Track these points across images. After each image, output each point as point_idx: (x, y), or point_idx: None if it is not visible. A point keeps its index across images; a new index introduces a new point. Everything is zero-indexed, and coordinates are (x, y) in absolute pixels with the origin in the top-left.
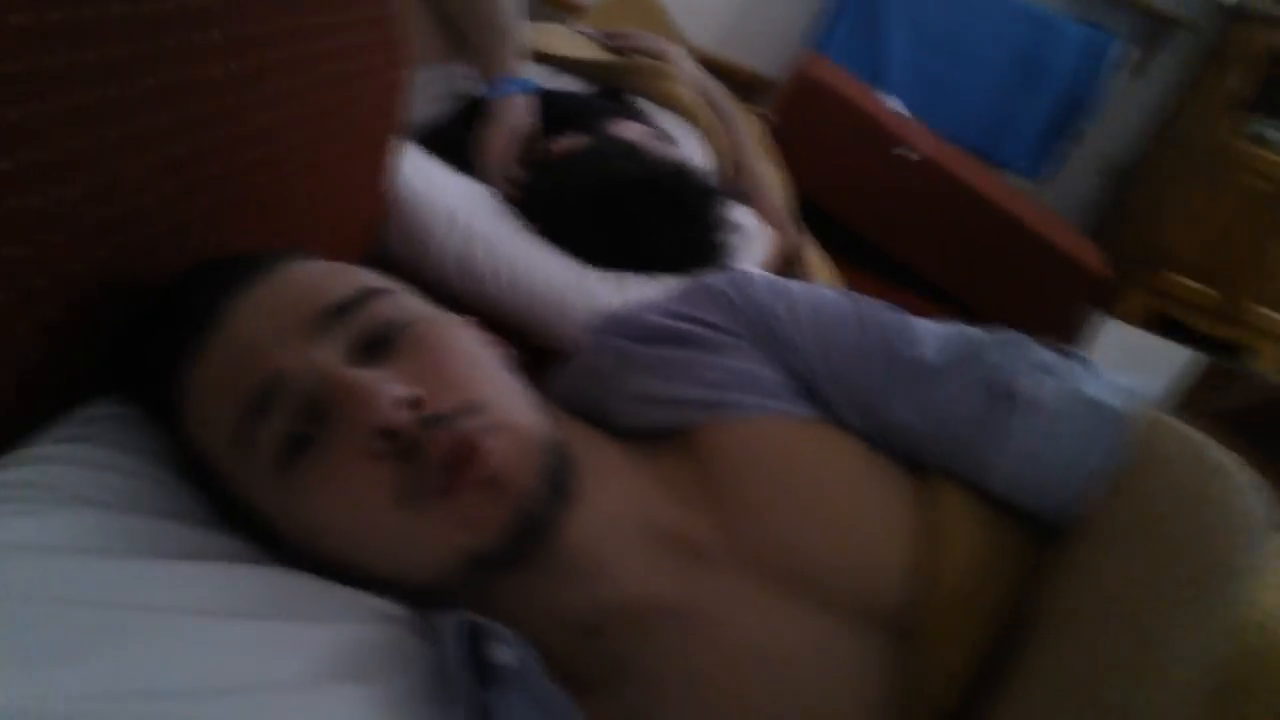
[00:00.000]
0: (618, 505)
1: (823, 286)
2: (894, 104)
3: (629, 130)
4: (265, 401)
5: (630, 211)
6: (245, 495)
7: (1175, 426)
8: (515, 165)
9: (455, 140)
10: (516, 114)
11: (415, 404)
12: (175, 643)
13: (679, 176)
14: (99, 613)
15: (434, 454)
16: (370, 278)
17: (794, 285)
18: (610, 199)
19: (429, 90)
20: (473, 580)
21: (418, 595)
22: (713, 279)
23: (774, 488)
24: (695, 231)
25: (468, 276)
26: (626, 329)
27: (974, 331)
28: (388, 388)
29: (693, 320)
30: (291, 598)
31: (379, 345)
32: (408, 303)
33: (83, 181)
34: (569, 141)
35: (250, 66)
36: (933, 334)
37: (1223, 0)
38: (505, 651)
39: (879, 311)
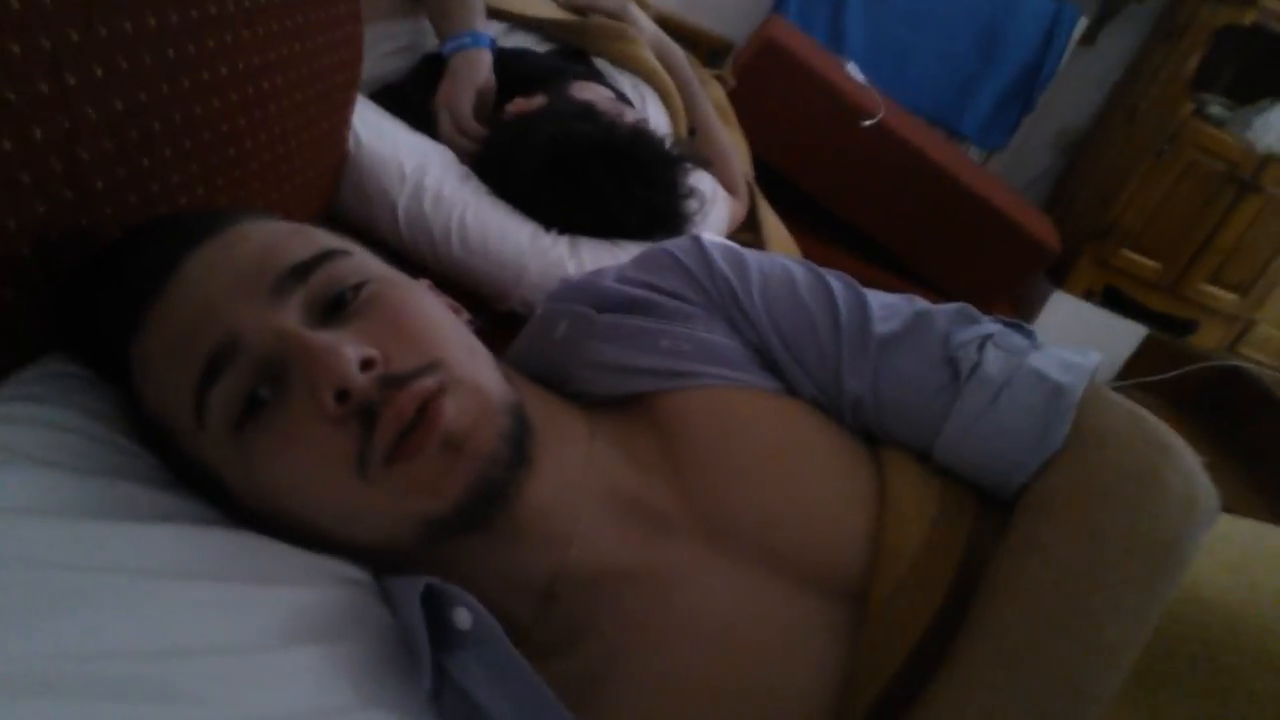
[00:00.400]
0: (576, 471)
1: (779, 255)
2: (853, 70)
3: (588, 91)
4: (221, 361)
5: (586, 174)
6: (200, 457)
7: (1121, 402)
8: (475, 122)
9: (412, 97)
10: (478, 69)
11: (371, 364)
12: (136, 604)
13: (637, 139)
14: (58, 575)
15: (390, 416)
16: (327, 238)
17: (749, 254)
18: (566, 160)
19: (385, 46)
20: (431, 544)
21: (377, 558)
22: (671, 246)
23: (733, 457)
24: (652, 196)
25: (420, 235)
26: (585, 295)
27: (923, 303)
28: (346, 349)
29: (651, 287)
30: (252, 560)
31: (336, 306)
32: (365, 263)
33: (17, 136)
34: (525, 101)
35: (207, 15)
36: (883, 305)
37: None
38: (463, 615)
39: (831, 281)
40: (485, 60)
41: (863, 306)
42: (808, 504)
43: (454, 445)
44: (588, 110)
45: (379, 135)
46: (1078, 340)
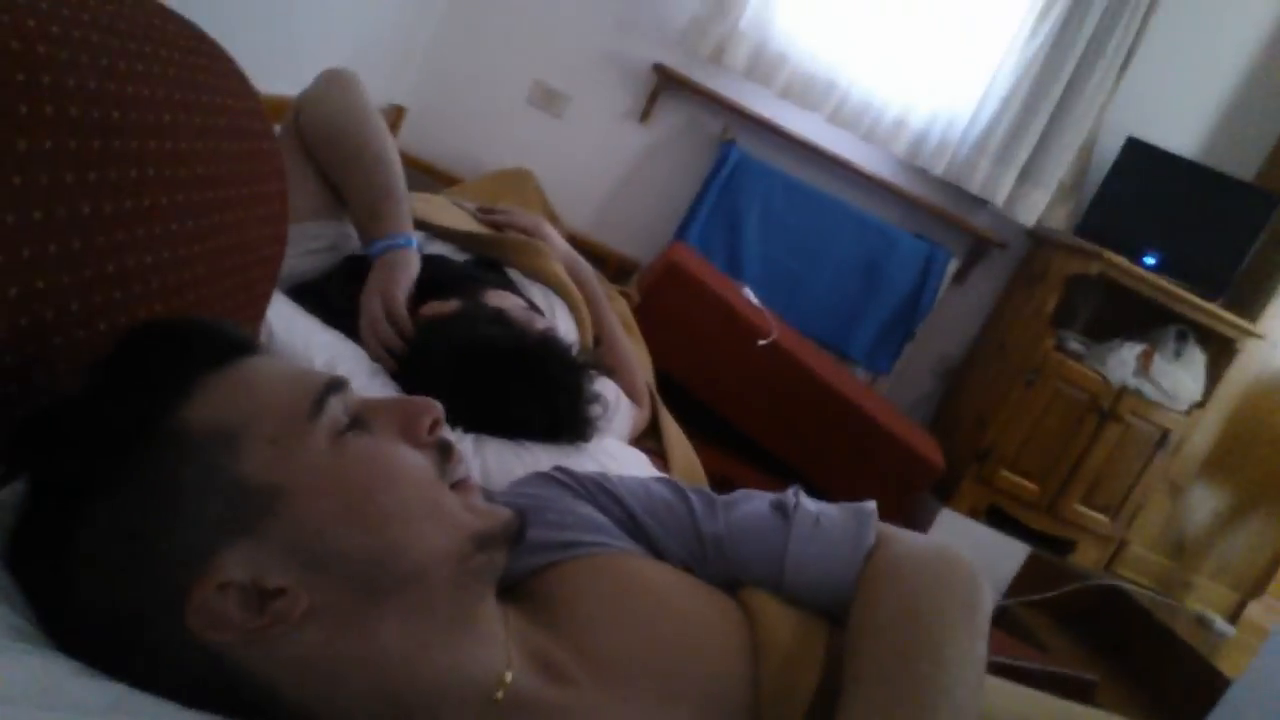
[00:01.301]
0: (500, 634)
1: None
2: (749, 293)
3: (501, 299)
4: (337, 387)
5: (494, 376)
6: (265, 467)
7: (896, 529)
8: (403, 321)
9: (329, 295)
10: (410, 266)
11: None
12: None
13: (544, 345)
14: None
15: (459, 455)
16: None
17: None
18: (476, 362)
19: (305, 245)
20: (470, 560)
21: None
22: (542, 471)
23: (620, 612)
24: (558, 400)
25: None
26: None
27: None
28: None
29: (535, 494)
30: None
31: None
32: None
33: None
34: (440, 305)
35: (126, 209)
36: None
37: (1026, 226)
38: None
39: (672, 478)
40: (415, 260)
41: (703, 489)
42: (691, 637)
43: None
44: (499, 316)
45: (290, 329)
46: (968, 555)
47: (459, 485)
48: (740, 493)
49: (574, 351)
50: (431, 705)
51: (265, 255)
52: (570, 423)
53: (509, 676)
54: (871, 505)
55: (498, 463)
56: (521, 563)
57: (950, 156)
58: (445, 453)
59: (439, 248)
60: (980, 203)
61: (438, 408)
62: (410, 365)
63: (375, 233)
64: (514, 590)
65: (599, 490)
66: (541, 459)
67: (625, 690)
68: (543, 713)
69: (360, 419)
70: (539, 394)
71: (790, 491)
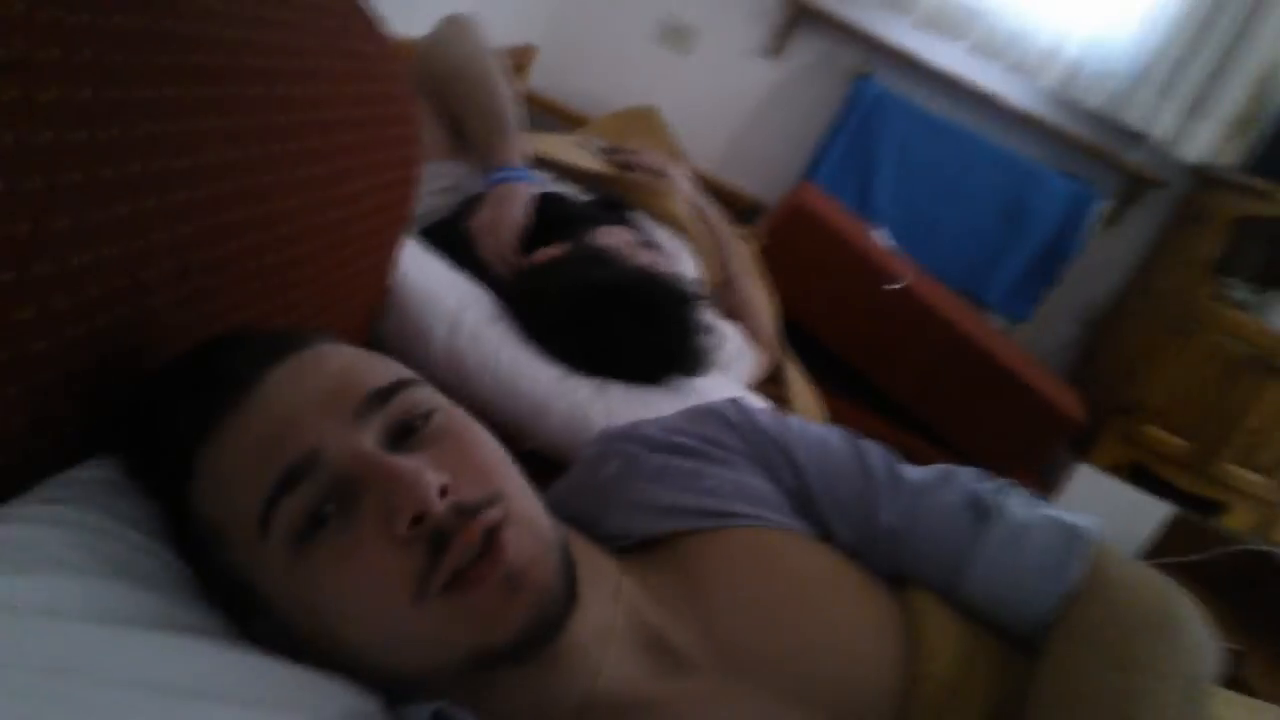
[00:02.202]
0: (606, 608)
1: (805, 420)
2: (881, 236)
3: (611, 236)
4: (299, 474)
5: (603, 317)
6: (245, 569)
7: (1128, 558)
8: (511, 251)
9: (456, 235)
10: (514, 200)
11: (445, 491)
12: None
13: (652, 283)
14: (66, 680)
15: (460, 542)
16: (400, 366)
17: (787, 416)
18: (583, 305)
19: (433, 184)
20: (474, 674)
21: (402, 685)
22: (714, 404)
23: (762, 595)
24: (669, 338)
25: (454, 370)
26: (635, 438)
27: (946, 465)
28: (429, 475)
29: (697, 436)
30: (262, 682)
31: (408, 433)
32: (429, 390)
33: (91, 252)
34: (549, 250)
35: (271, 153)
36: (906, 466)
37: (1190, 163)
38: None
39: (862, 440)
40: (524, 192)
41: (891, 459)
42: (836, 638)
43: (514, 580)
44: (606, 256)
45: (422, 270)
46: (1103, 515)
47: (459, 581)
48: (936, 472)
49: (683, 283)
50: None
51: (397, 196)
52: (682, 355)
53: (595, 695)
54: (1091, 526)
55: (621, 410)
56: (664, 523)
57: (1107, 87)
58: (438, 544)
59: (563, 188)
60: (1137, 138)
61: (424, 497)
62: (522, 313)
63: (487, 165)
64: (648, 549)
65: (774, 448)
66: (664, 408)
67: (751, 684)
68: (639, 709)
69: (345, 494)
70: (646, 327)
71: (995, 486)
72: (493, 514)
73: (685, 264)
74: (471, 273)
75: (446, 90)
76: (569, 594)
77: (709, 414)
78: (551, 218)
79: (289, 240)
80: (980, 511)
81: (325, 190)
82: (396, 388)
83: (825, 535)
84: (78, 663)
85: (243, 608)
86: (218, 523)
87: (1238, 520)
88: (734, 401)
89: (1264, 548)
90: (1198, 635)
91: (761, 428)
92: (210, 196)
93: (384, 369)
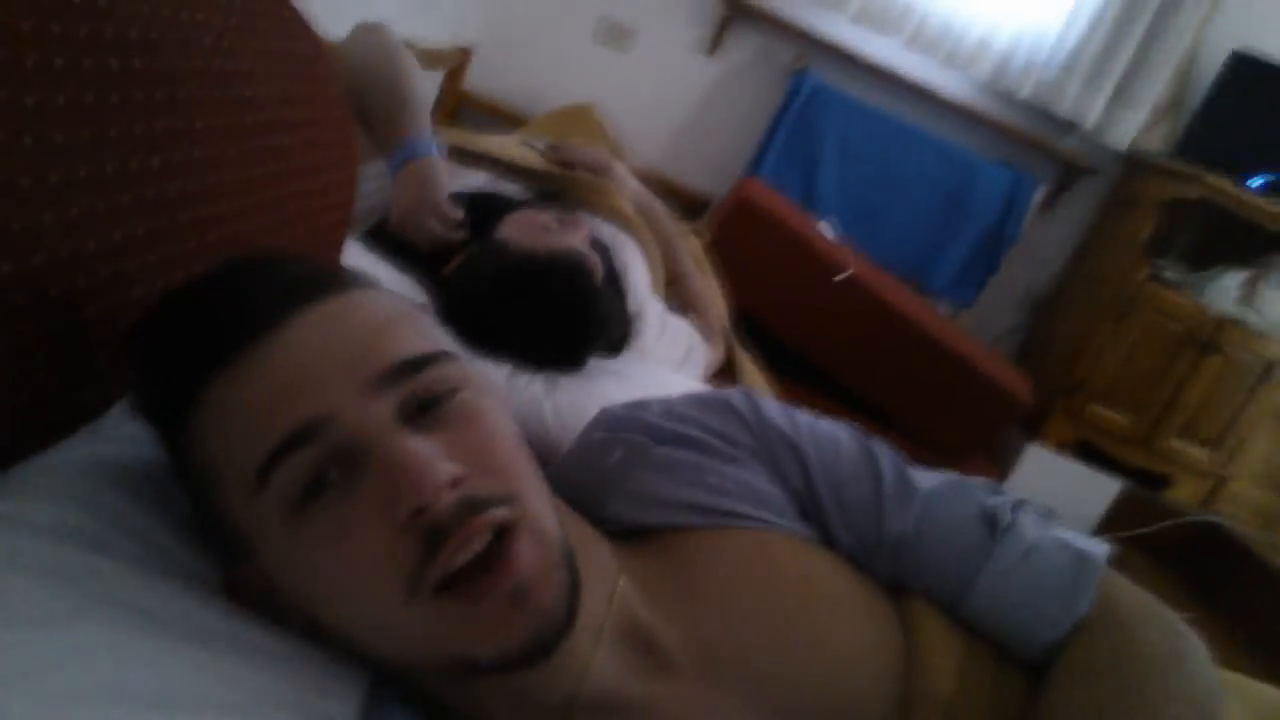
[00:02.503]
0: (600, 607)
1: (816, 418)
2: (827, 227)
3: (514, 223)
4: (305, 436)
5: (499, 309)
6: (238, 517)
7: (1133, 586)
8: (447, 225)
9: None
10: (427, 175)
11: (458, 483)
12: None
13: (536, 264)
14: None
15: (457, 541)
16: (437, 334)
17: (796, 411)
18: (480, 301)
19: (366, 185)
20: (456, 680)
21: (377, 667)
22: (725, 393)
23: (755, 601)
24: (565, 314)
25: None
26: (639, 426)
27: (958, 475)
28: (440, 466)
29: (703, 426)
30: (233, 689)
31: (428, 407)
32: (464, 370)
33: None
34: (454, 261)
35: (209, 156)
36: (922, 471)
37: (1120, 150)
38: None
39: (872, 443)
40: (435, 165)
41: (902, 465)
42: (830, 649)
43: (521, 595)
44: (496, 248)
45: (379, 273)
46: (1055, 492)
47: (463, 588)
48: (948, 481)
49: (573, 257)
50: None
51: (338, 199)
52: (585, 329)
53: (581, 691)
54: (1102, 553)
55: (570, 406)
56: (666, 517)
57: (1037, 78)
58: (434, 541)
59: (506, 187)
60: (1069, 127)
61: (429, 491)
62: (449, 321)
63: (385, 145)
64: (646, 538)
65: (782, 445)
66: (612, 395)
67: (731, 692)
68: (621, 710)
69: (350, 464)
70: (540, 309)
71: (1009, 501)
72: (500, 513)
73: (633, 259)
74: (420, 272)
75: (356, 87)
76: (569, 617)
77: (719, 404)
78: (484, 214)
79: (231, 242)
80: (992, 526)
81: (264, 192)
82: (426, 361)
83: (827, 539)
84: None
85: (231, 551)
86: (215, 462)
87: (1183, 492)
88: (745, 394)
89: (1209, 518)
90: (1208, 675)
91: (771, 424)
92: (148, 199)
93: (418, 337)
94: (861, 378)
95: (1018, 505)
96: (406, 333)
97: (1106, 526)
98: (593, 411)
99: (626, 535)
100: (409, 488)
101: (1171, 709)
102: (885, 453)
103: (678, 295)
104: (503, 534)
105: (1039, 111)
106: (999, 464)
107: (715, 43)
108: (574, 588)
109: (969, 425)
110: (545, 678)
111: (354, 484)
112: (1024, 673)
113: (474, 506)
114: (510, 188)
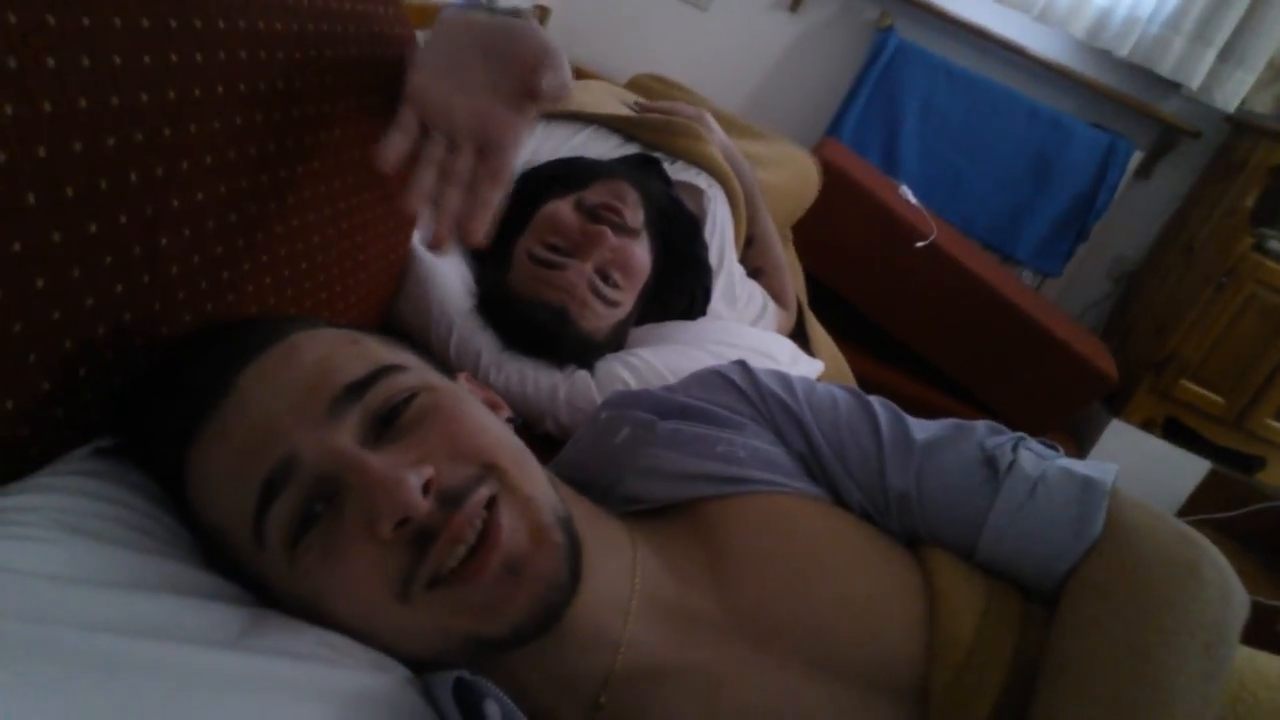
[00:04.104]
0: (620, 580)
1: (813, 381)
2: (906, 192)
3: (536, 230)
4: (279, 483)
5: (504, 330)
6: (252, 567)
7: (1143, 503)
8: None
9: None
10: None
11: (430, 485)
12: (167, 680)
13: (529, 314)
14: (106, 642)
15: (445, 540)
16: (380, 350)
17: (790, 375)
18: (492, 319)
19: None
20: (478, 659)
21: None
22: (719, 368)
23: (780, 561)
24: (552, 352)
25: (469, 356)
26: (645, 403)
27: (957, 420)
28: (410, 478)
29: (707, 400)
30: (296, 640)
31: (389, 419)
32: (417, 374)
33: (104, 220)
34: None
35: (289, 117)
36: (918, 422)
37: (1225, 111)
38: (493, 709)
39: (870, 399)
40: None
41: (900, 419)
42: (855, 603)
43: (514, 569)
44: (500, 287)
45: (428, 262)
46: (1138, 472)
47: (453, 577)
48: (944, 428)
49: (564, 315)
50: (536, 697)
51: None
52: (568, 360)
53: (616, 666)
54: (1108, 475)
55: (586, 391)
56: (679, 489)
57: (1138, 36)
58: (422, 544)
59: (602, 141)
60: (1172, 87)
61: (406, 501)
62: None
63: None
64: (663, 514)
65: (780, 411)
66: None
67: (768, 651)
68: (667, 675)
69: (330, 493)
70: (529, 342)
71: (1009, 440)
72: (482, 492)
73: (722, 208)
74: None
75: None
76: (573, 578)
77: (715, 378)
78: (566, 175)
79: (298, 207)
80: (993, 468)
81: (336, 155)
82: (371, 379)
83: (839, 500)
84: (92, 623)
85: (262, 593)
86: (218, 526)
87: (1275, 475)
88: (739, 364)
89: None
90: (1221, 582)
91: (769, 391)
92: (221, 163)
93: (362, 356)
94: (939, 349)
95: (1018, 443)
96: (347, 359)
97: (1191, 508)
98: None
99: (645, 514)
100: (386, 504)
101: (1181, 617)
102: (884, 410)
103: (753, 257)
104: (489, 511)
105: (1139, 71)
106: (1078, 440)
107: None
108: (575, 550)
109: (1050, 401)
110: (577, 654)
111: (337, 510)
112: (1052, 609)
113: (453, 500)
114: (599, 146)
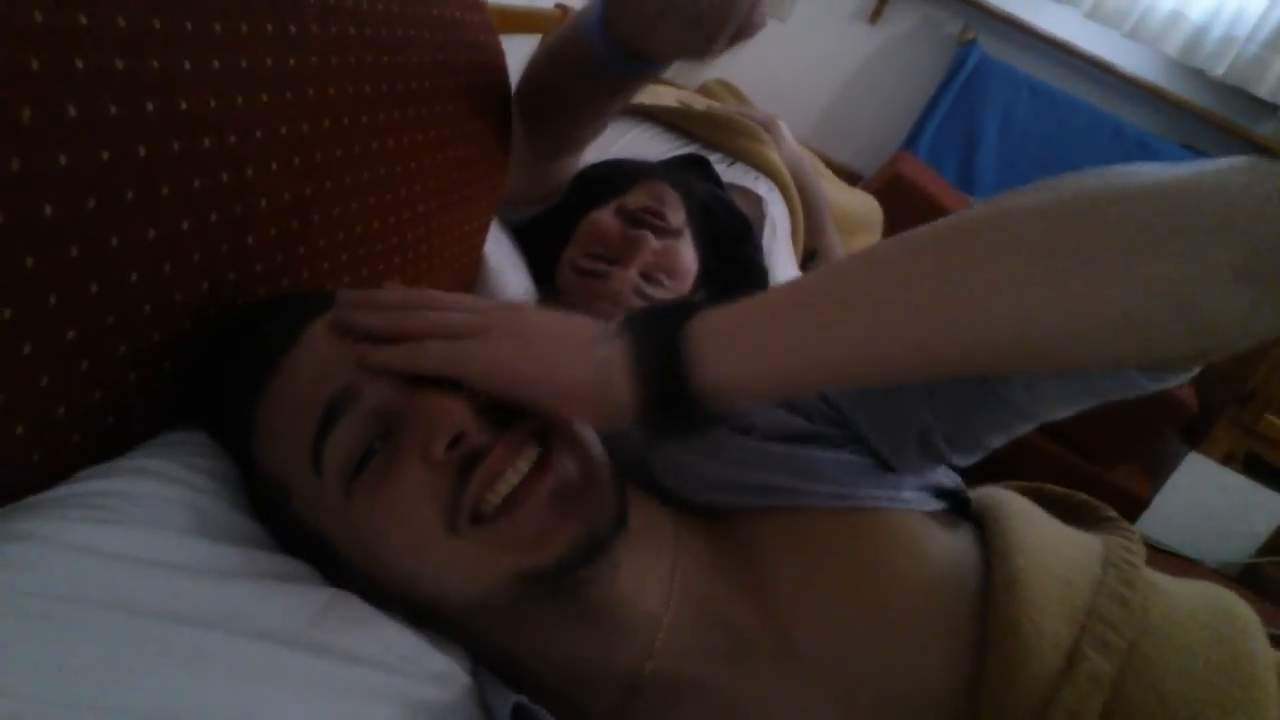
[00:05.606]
0: (662, 568)
1: None
2: None
3: (580, 241)
4: (339, 408)
5: None
6: (312, 517)
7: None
8: None
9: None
10: None
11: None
12: (237, 670)
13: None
14: (167, 628)
15: (493, 460)
16: None
17: None
18: None
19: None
20: (523, 602)
21: (467, 630)
22: None
23: (820, 586)
24: None
25: None
26: None
27: None
28: (462, 400)
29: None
30: (362, 640)
31: None
32: None
33: (196, 218)
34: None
35: (375, 122)
36: None
37: None
38: None
39: None
40: None
41: None
42: (894, 639)
43: (564, 498)
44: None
45: (504, 257)
46: (1214, 508)
47: (506, 505)
48: None
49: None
50: (567, 689)
51: (493, 165)
52: None
53: (649, 667)
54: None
55: None
56: (723, 497)
57: (1235, 55)
58: (468, 468)
59: (663, 140)
60: (1268, 109)
61: (461, 418)
62: None
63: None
64: (708, 523)
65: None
66: None
67: (808, 680)
68: (692, 692)
69: (389, 424)
70: None
71: None
72: (534, 422)
73: (777, 208)
74: (532, 268)
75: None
76: (620, 511)
77: None
78: (579, 200)
79: (379, 209)
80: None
81: (416, 159)
82: None
83: (881, 462)
84: (166, 609)
85: (320, 559)
86: (280, 474)
87: None
88: None
89: None
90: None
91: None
92: (309, 165)
93: None
94: None
95: None
96: None
97: (1270, 549)
98: None
99: (692, 511)
100: (440, 423)
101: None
102: None
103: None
104: (542, 440)
105: (1234, 92)
106: (1152, 473)
107: (878, 11)
108: (620, 485)
109: (1125, 431)
110: (608, 638)
111: (395, 443)
112: None
113: (505, 423)
114: (657, 146)
